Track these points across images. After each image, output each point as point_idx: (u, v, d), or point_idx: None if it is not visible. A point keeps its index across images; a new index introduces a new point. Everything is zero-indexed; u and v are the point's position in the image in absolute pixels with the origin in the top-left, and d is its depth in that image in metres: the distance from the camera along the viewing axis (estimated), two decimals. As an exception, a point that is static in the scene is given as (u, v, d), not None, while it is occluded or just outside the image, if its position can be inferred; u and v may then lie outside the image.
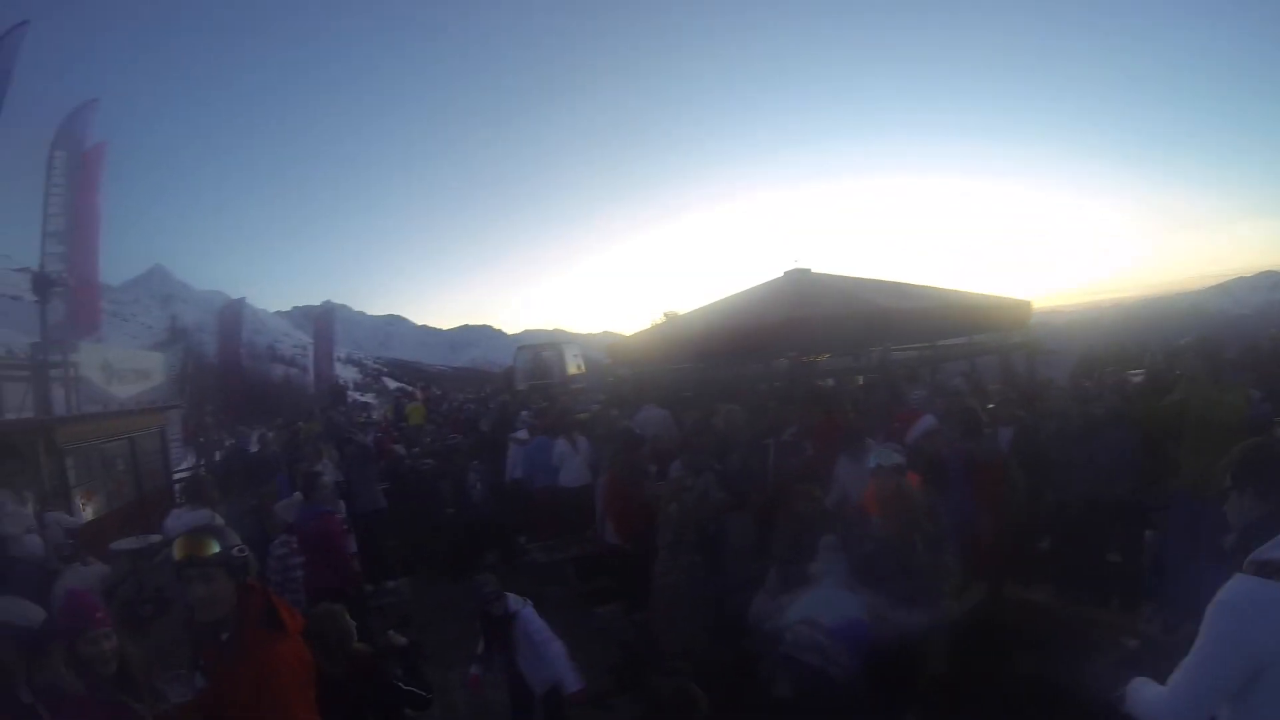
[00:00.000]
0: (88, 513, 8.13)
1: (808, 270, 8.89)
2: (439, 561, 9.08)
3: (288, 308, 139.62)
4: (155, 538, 7.18)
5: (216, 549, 2.48)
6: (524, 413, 11.52)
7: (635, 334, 12.31)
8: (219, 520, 5.25)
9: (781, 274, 8.97)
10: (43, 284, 10.88)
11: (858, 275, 9.40)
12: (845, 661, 3.72)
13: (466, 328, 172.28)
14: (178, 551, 2.49)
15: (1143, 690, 2.20)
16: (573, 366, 21.79)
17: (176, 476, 11.88)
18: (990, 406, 7.11)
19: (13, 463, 7.38)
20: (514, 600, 4.66)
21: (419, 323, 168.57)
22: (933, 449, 5.60)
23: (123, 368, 12.12)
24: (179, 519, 5.77)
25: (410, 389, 36.18)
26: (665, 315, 15.36)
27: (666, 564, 5.53)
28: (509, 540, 8.86)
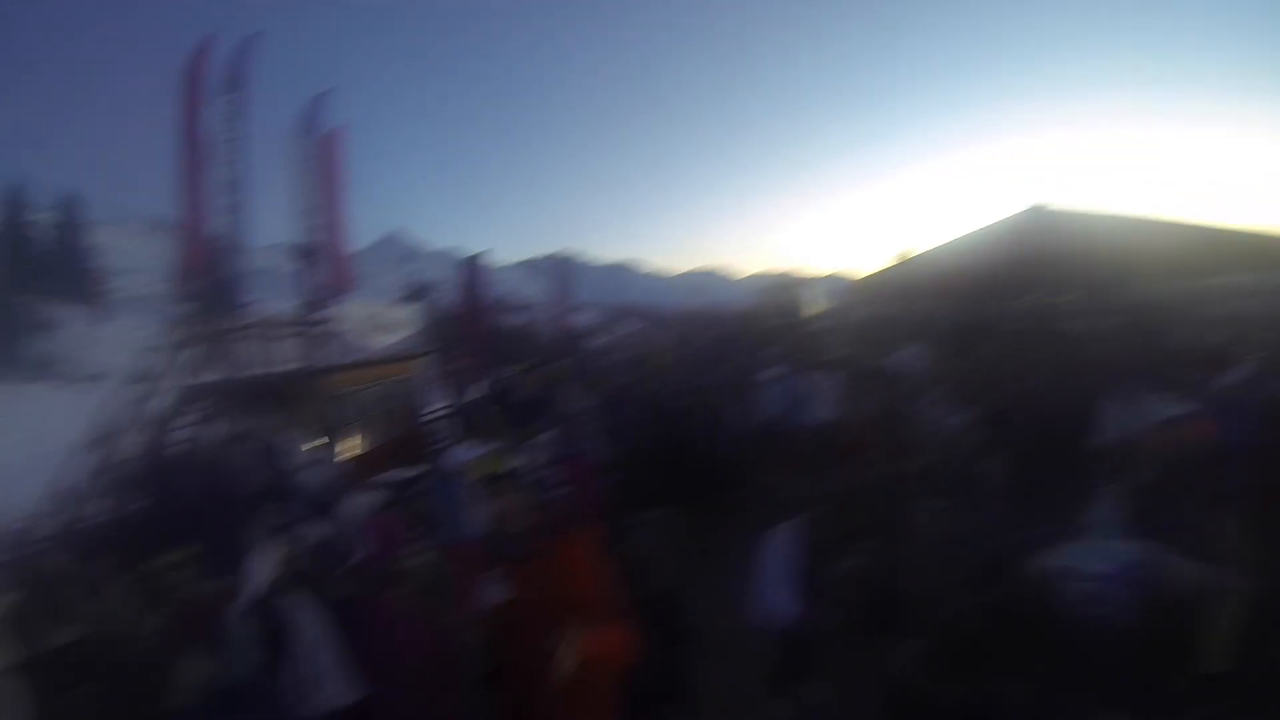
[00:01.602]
0: (353, 449, 9.15)
1: (1048, 207, 8.36)
2: (688, 499, 9.21)
3: (519, 260, 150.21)
4: (413, 471, 7.93)
5: (509, 466, 2.93)
6: (768, 351, 11.48)
7: (874, 273, 12.15)
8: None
9: (1021, 211, 8.53)
10: (303, 253, 12.63)
11: (1100, 212, 8.74)
12: (1129, 604, 3.45)
13: (694, 272, 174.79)
14: (477, 471, 3.06)
15: None
16: (814, 306, 22.17)
17: (428, 417, 13.10)
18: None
19: (290, 407, 8.48)
20: None
21: (647, 269, 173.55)
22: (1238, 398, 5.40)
23: (376, 322, 13.45)
24: (468, 450, 6.26)
25: (649, 332, 37.32)
26: (901, 255, 14.94)
27: (917, 505, 5.60)
28: (757, 478, 8.80)
